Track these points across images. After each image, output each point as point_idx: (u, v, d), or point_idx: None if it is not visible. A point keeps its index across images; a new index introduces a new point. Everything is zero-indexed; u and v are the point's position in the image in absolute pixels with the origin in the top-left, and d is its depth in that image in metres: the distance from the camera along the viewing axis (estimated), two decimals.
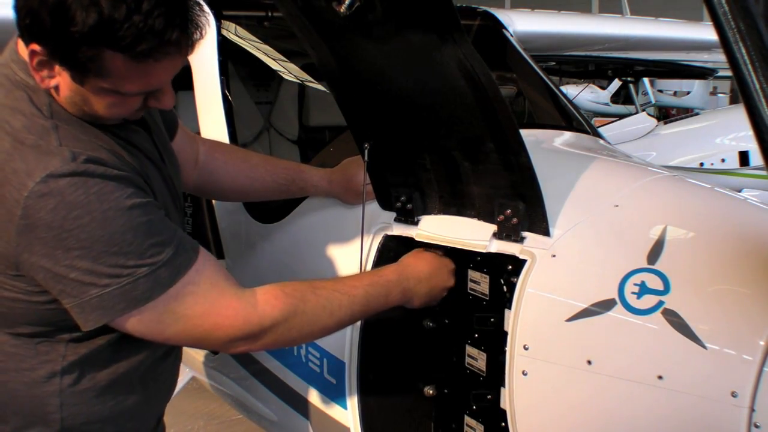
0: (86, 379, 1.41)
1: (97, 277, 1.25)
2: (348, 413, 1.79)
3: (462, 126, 1.51)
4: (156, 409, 1.61)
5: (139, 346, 1.44)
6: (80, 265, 1.24)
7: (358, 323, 1.71)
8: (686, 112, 12.56)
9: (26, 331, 1.36)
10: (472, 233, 1.58)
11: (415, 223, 1.70)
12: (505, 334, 1.46)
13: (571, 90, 10.34)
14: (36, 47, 1.21)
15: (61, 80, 1.27)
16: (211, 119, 2.39)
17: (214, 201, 2.37)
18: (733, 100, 14.68)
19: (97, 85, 1.25)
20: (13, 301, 1.32)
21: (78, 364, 1.40)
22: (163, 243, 1.31)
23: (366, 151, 1.68)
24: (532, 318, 1.42)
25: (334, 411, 1.86)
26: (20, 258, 1.26)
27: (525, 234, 1.50)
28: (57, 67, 1.24)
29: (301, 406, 2.03)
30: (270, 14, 2.71)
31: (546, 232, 1.48)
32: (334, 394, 1.85)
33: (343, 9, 1.34)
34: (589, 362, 1.32)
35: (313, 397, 1.95)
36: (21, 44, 1.31)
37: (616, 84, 13.50)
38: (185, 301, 1.33)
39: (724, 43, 0.90)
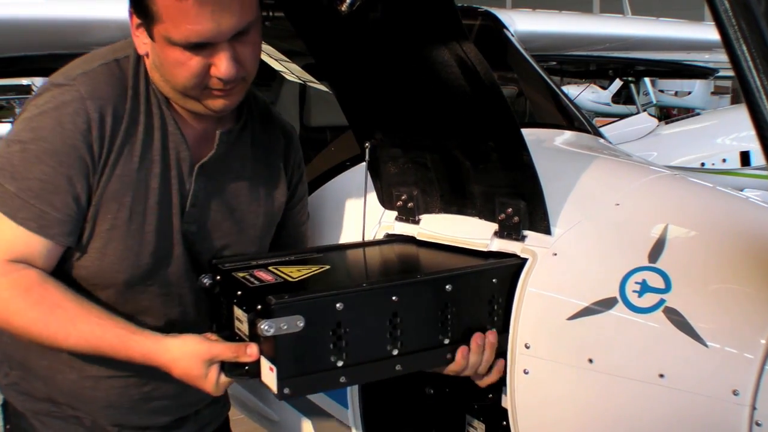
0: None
1: None
2: (349, 412, 1.79)
3: (462, 124, 1.51)
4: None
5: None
6: None
7: None
8: (687, 112, 12.56)
9: None
10: (473, 232, 1.58)
11: (417, 222, 1.70)
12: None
13: (572, 90, 10.35)
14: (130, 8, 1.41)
15: (148, 44, 1.42)
16: None
17: None
18: (735, 100, 14.67)
19: (159, 34, 1.35)
20: None
21: None
22: (15, 178, 1.38)
23: (367, 150, 1.68)
24: (533, 316, 1.42)
25: (335, 410, 1.86)
26: None
27: (526, 232, 1.50)
28: (144, 30, 1.39)
29: (302, 405, 2.03)
30: (270, 14, 2.71)
31: (547, 231, 1.48)
32: (335, 393, 1.84)
33: (344, 7, 1.34)
34: (591, 361, 1.32)
35: (314, 396, 1.95)
36: None
37: (617, 84, 13.49)
38: None
39: (726, 43, 0.90)
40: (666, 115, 14.24)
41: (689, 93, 15.21)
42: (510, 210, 1.51)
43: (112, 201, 1.44)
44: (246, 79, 1.45)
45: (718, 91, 16.24)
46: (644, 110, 10.47)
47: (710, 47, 5.06)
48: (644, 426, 1.28)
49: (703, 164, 7.12)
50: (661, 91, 15.20)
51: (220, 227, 1.59)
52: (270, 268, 1.45)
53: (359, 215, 1.76)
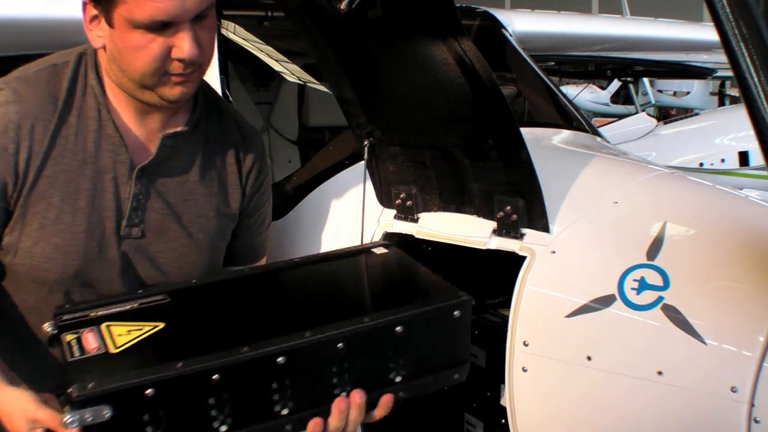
0: None
1: None
2: None
3: (461, 123, 1.51)
4: None
5: None
6: None
7: None
8: (686, 113, 12.56)
9: None
10: (472, 230, 1.59)
11: (415, 221, 1.71)
12: (505, 330, 1.47)
13: (570, 90, 10.34)
14: None
15: (105, 35, 1.41)
16: None
17: None
18: (735, 100, 14.65)
19: (119, 17, 1.34)
20: None
21: None
22: None
23: (366, 149, 1.69)
24: (531, 314, 1.42)
25: None
26: None
27: (524, 230, 1.50)
28: (103, 21, 1.38)
29: None
30: (270, 14, 2.71)
31: (545, 229, 1.48)
32: None
33: (343, 6, 1.35)
34: (589, 358, 1.33)
35: None
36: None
37: (615, 84, 13.48)
38: None
39: (726, 44, 0.90)
40: (665, 115, 14.23)
41: (688, 93, 15.19)
42: (509, 208, 1.51)
43: (40, 200, 1.44)
44: (202, 66, 1.45)
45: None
46: (643, 110, 10.46)
47: (709, 47, 5.08)
48: (643, 423, 1.29)
49: (701, 164, 7.11)
50: (660, 91, 15.18)
51: (167, 231, 1.55)
52: (102, 326, 1.30)
53: (358, 214, 1.76)
